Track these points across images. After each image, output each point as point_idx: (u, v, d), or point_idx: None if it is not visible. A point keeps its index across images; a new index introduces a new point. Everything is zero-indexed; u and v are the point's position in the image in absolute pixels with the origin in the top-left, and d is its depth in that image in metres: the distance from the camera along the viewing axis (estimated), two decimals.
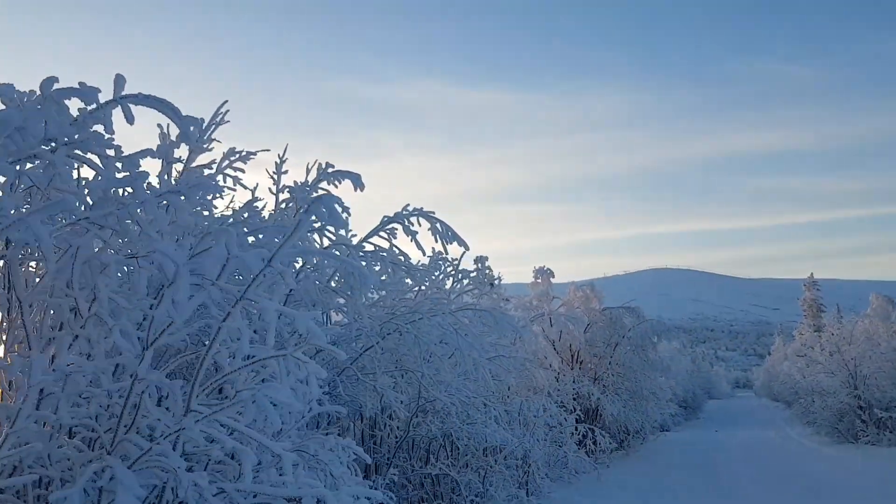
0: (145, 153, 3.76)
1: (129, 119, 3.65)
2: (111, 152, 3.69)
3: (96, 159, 3.61)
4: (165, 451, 2.92)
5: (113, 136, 3.68)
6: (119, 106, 3.64)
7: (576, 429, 13.27)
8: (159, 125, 5.83)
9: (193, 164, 5.97)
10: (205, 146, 5.97)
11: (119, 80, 3.74)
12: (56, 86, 3.47)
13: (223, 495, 3.21)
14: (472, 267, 19.21)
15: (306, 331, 3.24)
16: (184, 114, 3.80)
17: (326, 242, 6.15)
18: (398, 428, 8.00)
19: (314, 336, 3.29)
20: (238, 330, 3.23)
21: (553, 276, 17.11)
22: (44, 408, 3.13)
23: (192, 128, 3.92)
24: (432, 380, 7.26)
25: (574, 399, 15.16)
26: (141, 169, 3.61)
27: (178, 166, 5.48)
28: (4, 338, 3.63)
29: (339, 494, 3.61)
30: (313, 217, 3.28)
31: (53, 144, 3.53)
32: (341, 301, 6.58)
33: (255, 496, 3.32)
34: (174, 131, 5.96)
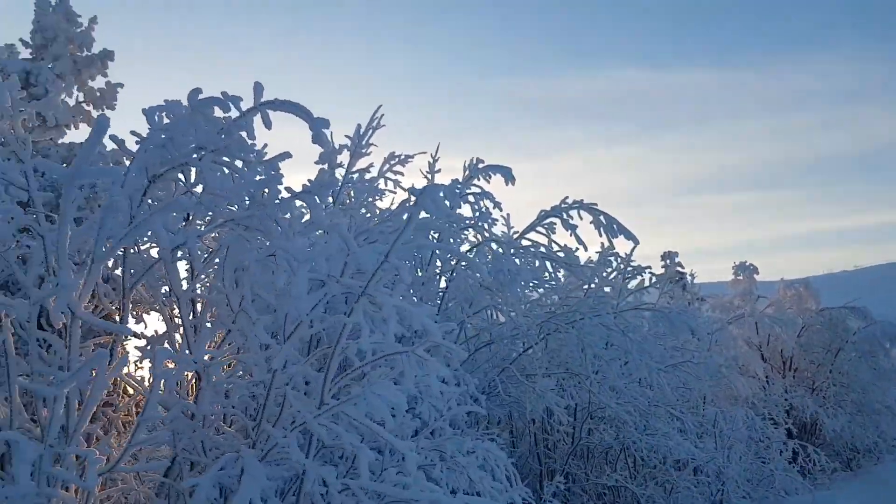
0: (284, 156, 3.94)
1: (267, 124, 3.82)
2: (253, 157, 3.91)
3: (239, 164, 3.83)
4: (291, 443, 2.98)
5: (254, 142, 3.90)
6: (259, 112, 3.86)
7: (785, 444, 11.78)
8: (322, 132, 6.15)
9: (354, 168, 6.23)
10: (363, 150, 6.20)
11: (258, 88, 3.93)
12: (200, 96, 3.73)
13: (348, 492, 3.20)
14: (660, 264, 18.11)
15: (421, 327, 3.14)
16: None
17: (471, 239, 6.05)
18: (569, 434, 7.65)
19: (430, 333, 3.18)
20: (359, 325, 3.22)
21: (757, 273, 15.45)
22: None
23: (323, 129, 4.03)
24: (600, 385, 6.82)
25: (786, 412, 13.51)
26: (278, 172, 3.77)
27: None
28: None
29: (471, 501, 3.45)
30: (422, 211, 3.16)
31: (202, 152, 3.82)
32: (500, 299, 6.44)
33: (380, 497, 3.28)
34: (338, 139, 6.27)
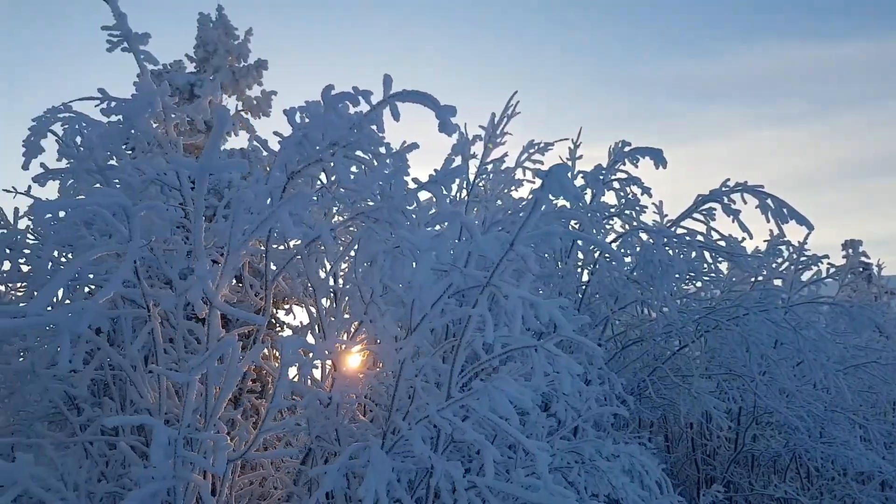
0: (411, 147, 3.92)
1: (395, 116, 3.80)
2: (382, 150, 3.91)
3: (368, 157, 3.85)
4: (415, 436, 2.92)
5: (384, 135, 3.90)
6: (388, 105, 3.86)
7: None
8: (455, 125, 6.09)
9: (489, 159, 6.11)
10: (498, 140, 6.06)
11: (387, 80, 3.92)
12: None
13: (475, 490, 3.08)
14: (841, 253, 16.17)
15: (549, 319, 2.93)
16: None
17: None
18: (731, 440, 7.01)
19: (559, 326, 2.97)
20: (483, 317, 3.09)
21: None
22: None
23: (450, 118, 3.94)
24: (768, 387, 6.15)
25: None
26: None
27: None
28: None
29: None
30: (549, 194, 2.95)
31: (336, 147, 3.88)
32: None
33: (510, 498, 3.13)
34: (471, 130, 6.19)
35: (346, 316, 3.91)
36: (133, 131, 3.63)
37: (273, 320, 6.35)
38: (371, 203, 3.86)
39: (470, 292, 4.02)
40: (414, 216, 3.66)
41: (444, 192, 3.74)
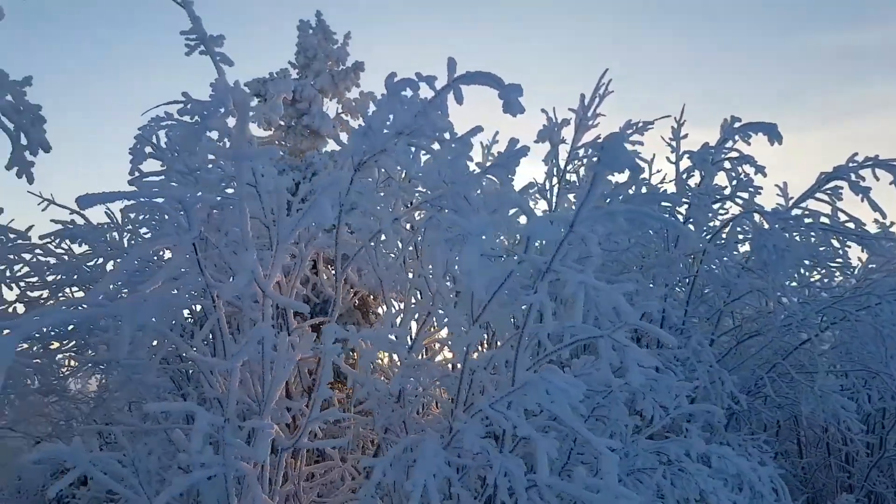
0: (475, 130, 3.77)
1: (459, 99, 3.69)
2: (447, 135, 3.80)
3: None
4: (467, 429, 2.79)
5: (448, 120, 3.80)
6: (452, 90, 3.75)
7: None
8: (543, 110, 5.86)
9: (580, 143, 5.82)
10: (590, 122, 5.76)
11: (451, 64, 3.81)
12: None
13: (535, 489, 2.89)
14: None
15: (610, 307, 2.69)
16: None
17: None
18: (869, 444, 6.22)
19: (623, 314, 2.70)
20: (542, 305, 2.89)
21: None
22: None
23: (517, 98, 3.75)
24: None
25: None
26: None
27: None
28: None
29: None
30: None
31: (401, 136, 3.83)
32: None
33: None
34: (560, 114, 5.93)
35: (413, 306, 3.85)
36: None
37: (372, 313, 6.44)
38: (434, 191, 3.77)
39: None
40: (479, 202, 3.52)
41: (509, 176, 3.56)
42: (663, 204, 5.95)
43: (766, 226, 5.50)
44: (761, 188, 5.86)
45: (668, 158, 6.32)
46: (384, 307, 3.78)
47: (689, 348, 5.26)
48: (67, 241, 4.87)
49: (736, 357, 5.94)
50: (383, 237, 3.72)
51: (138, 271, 3.56)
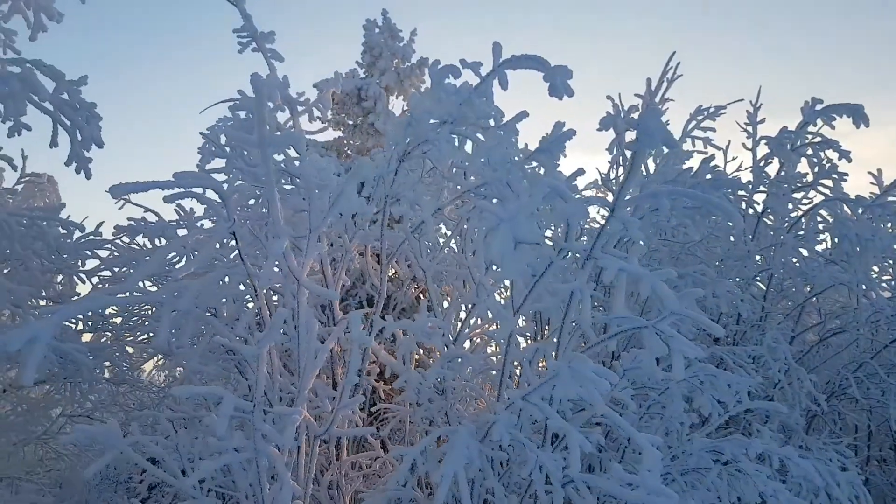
0: (521, 116, 3.66)
1: (504, 84, 3.61)
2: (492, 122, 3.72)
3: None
4: (498, 419, 2.69)
5: (493, 106, 3.71)
6: (497, 76, 3.67)
7: None
8: (609, 97, 5.65)
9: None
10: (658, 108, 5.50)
11: (496, 48, 3.73)
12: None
13: (572, 486, 2.76)
14: None
15: (652, 292, 2.52)
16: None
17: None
18: None
19: (665, 301, 2.53)
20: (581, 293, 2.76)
21: None
22: None
23: (565, 80, 3.60)
24: None
25: None
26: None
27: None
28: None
29: None
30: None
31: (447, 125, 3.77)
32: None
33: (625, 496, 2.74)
34: (627, 101, 5.70)
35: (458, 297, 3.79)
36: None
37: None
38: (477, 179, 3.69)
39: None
40: (522, 189, 3.41)
41: (555, 162, 3.43)
42: (740, 193, 5.64)
43: (850, 214, 5.09)
44: (846, 175, 5.42)
45: (743, 145, 5.97)
46: (426, 298, 3.73)
47: (763, 345, 4.93)
48: (141, 237, 5.11)
49: (819, 355, 5.52)
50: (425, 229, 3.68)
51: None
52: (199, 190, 2.77)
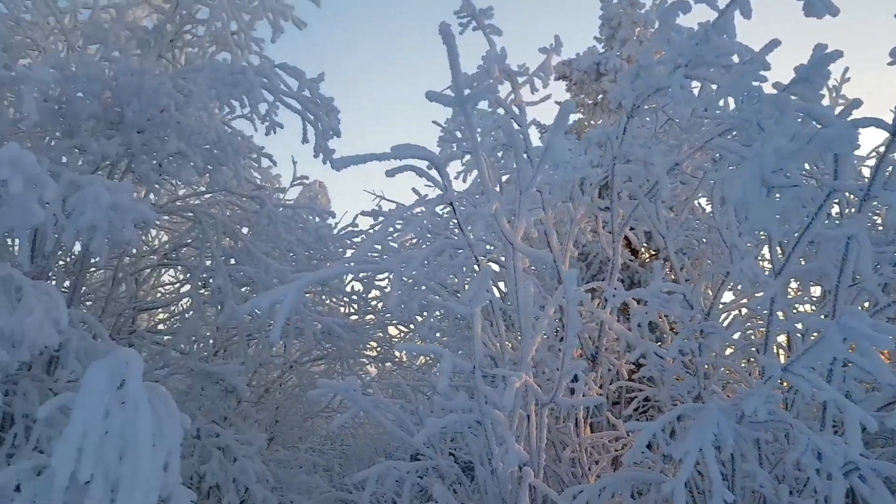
0: (772, 45, 3.08)
1: (746, 13, 3.14)
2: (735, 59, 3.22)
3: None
4: (751, 396, 2.27)
5: (735, 42, 3.23)
6: (738, 5, 3.19)
7: None
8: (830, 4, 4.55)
9: None
10: None
11: None
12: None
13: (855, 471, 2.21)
14: None
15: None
16: None
17: None
18: None
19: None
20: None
21: None
22: None
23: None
24: None
25: None
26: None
27: None
28: None
29: None
30: None
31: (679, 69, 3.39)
32: None
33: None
34: None
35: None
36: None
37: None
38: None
39: None
40: (775, 129, 2.87)
41: (817, 92, 2.83)
42: None
43: None
44: None
45: None
46: (664, 263, 3.36)
47: None
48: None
49: None
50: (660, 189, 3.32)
51: None
52: (421, 163, 2.84)
